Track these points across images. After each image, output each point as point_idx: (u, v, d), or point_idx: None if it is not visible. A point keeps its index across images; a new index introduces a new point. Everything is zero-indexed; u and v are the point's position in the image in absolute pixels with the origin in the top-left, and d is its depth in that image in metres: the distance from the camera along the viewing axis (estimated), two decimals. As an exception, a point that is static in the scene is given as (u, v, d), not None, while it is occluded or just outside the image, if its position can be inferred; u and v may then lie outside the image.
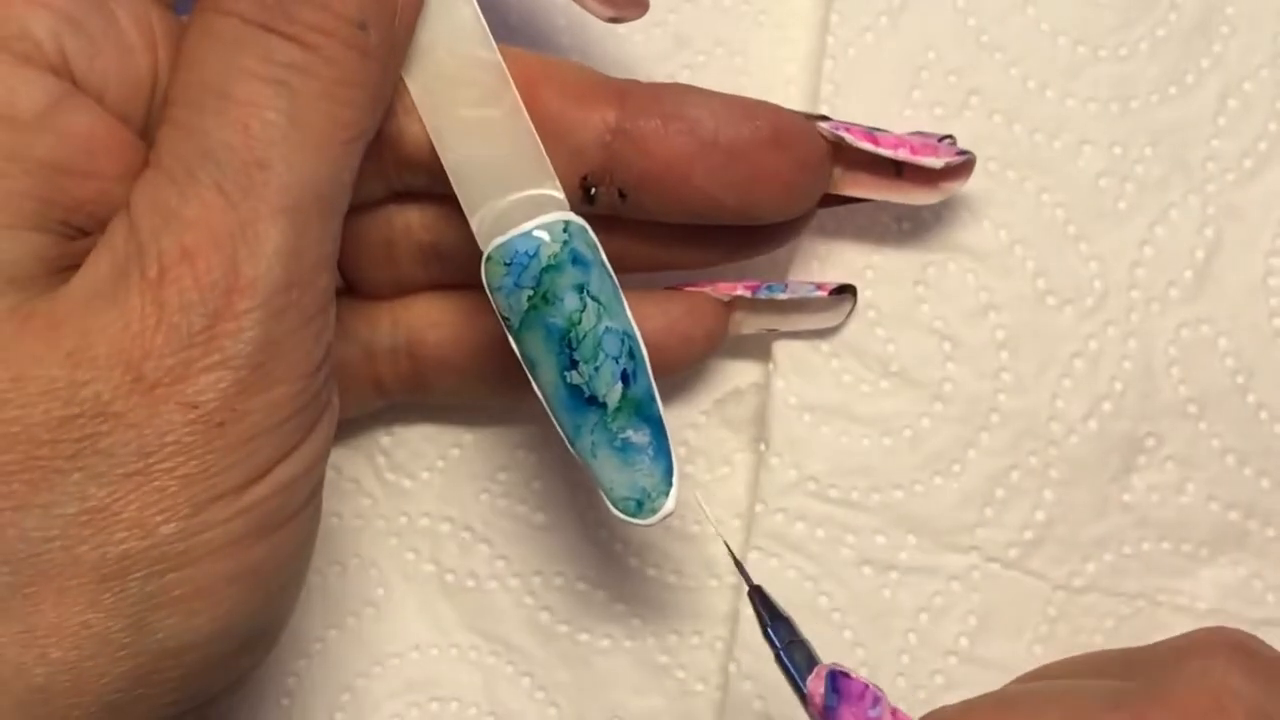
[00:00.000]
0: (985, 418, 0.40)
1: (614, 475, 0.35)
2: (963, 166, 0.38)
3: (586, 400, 0.34)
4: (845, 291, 0.40)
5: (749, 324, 0.40)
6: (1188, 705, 0.31)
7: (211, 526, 0.30)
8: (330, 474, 0.42)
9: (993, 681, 0.39)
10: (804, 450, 0.40)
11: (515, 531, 0.42)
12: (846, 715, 0.32)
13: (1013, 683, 0.38)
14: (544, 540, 0.42)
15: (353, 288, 0.39)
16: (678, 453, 0.41)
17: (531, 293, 0.34)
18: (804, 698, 0.33)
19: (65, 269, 0.30)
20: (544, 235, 0.34)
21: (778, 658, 0.34)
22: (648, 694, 0.41)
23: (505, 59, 0.34)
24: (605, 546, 0.42)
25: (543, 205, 0.34)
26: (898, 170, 0.38)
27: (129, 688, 0.30)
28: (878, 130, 0.38)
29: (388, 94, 0.33)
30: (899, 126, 0.40)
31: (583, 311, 0.34)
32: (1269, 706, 0.31)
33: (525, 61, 0.35)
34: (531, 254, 0.34)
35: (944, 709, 0.34)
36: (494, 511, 0.42)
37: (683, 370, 0.40)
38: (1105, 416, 0.40)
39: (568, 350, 0.34)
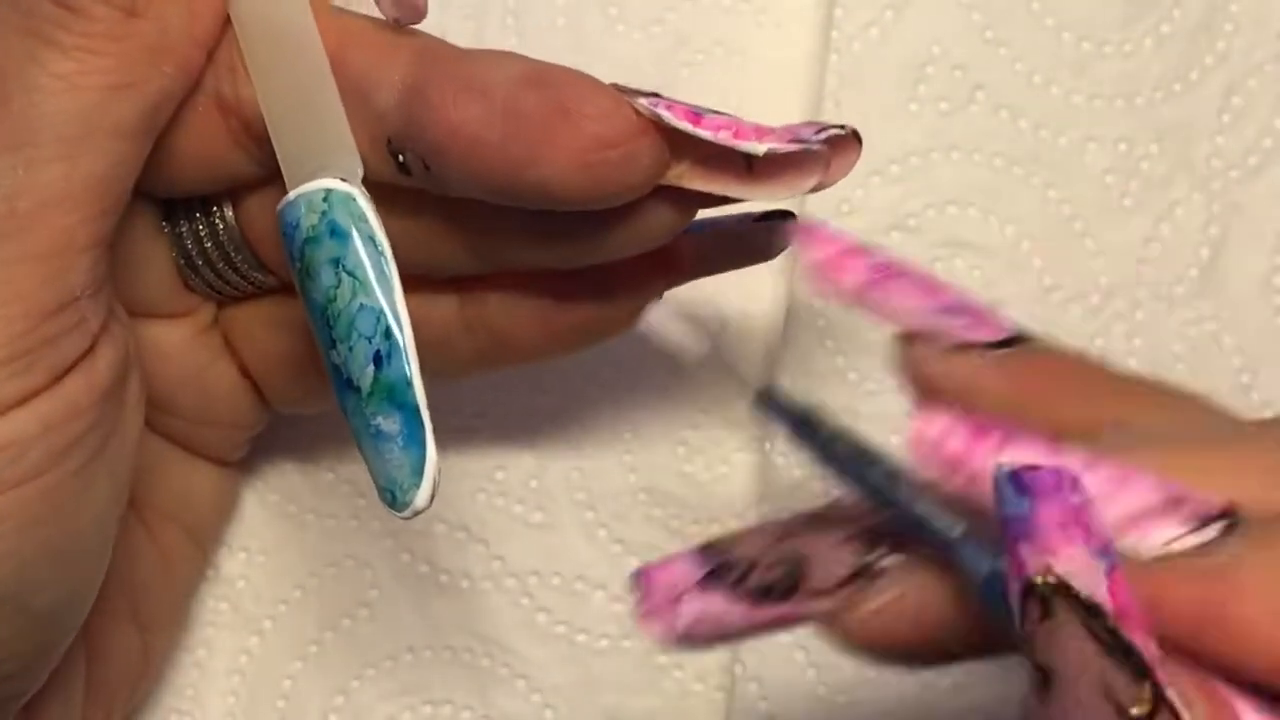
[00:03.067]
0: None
1: (372, 462, 0.32)
2: (802, 157, 0.32)
3: (345, 382, 0.32)
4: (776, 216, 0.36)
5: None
6: None
7: None
8: (326, 475, 0.42)
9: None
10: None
11: (512, 531, 0.42)
12: (1047, 516, 0.24)
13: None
14: (541, 540, 0.41)
15: (285, 283, 0.37)
16: (677, 452, 0.41)
17: (299, 266, 0.32)
18: (874, 489, 0.27)
19: None
20: (304, 205, 0.32)
21: (820, 458, 0.28)
22: (646, 695, 0.41)
23: (323, 21, 0.33)
24: (603, 546, 0.41)
25: (323, 171, 0.32)
26: (749, 164, 0.33)
27: None
28: (710, 111, 0.32)
29: (175, 47, 0.32)
30: (904, 122, 0.40)
31: (337, 288, 0.32)
32: None
33: (337, 20, 0.33)
34: (294, 225, 0.32)
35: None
36: (490, 511, 0.42)
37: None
38: (1110, 414, 0.40)
39: (328, 328, 0.32)
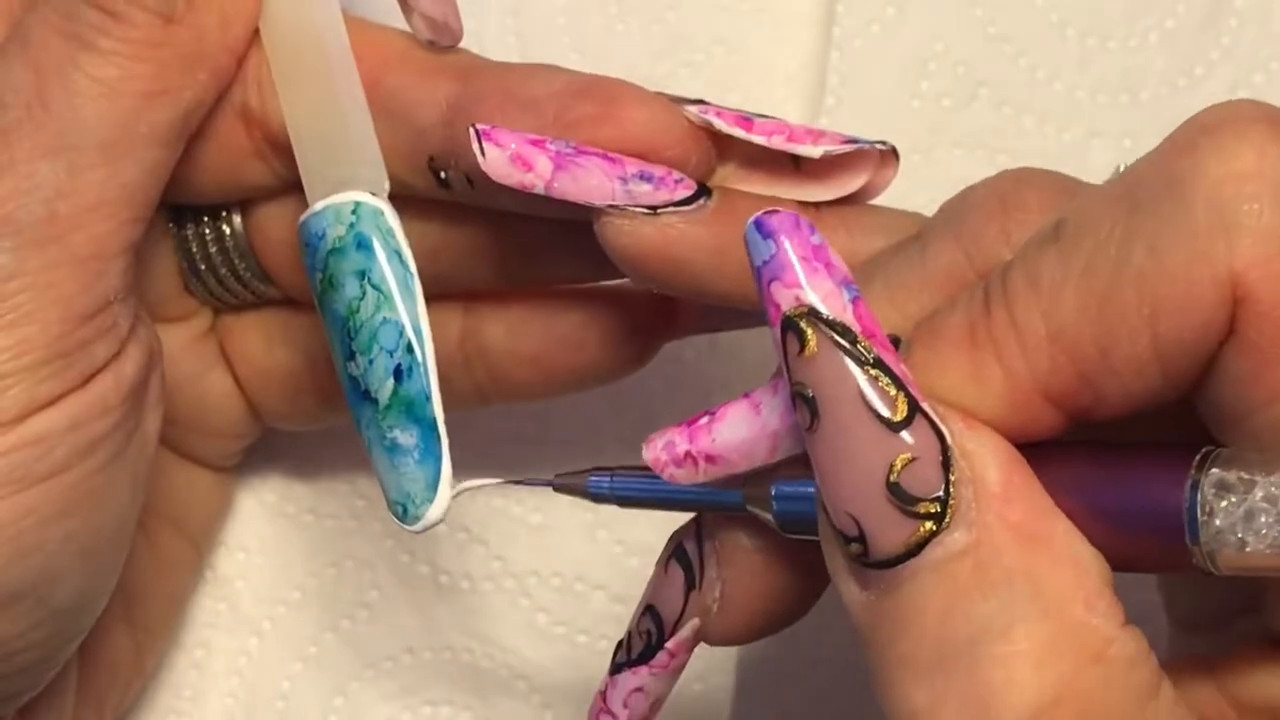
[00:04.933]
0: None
1: (385, 475, 0.32)
2: (858, 157, 0.34)
3: (362, 394, 0.32)
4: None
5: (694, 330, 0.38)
6: (989, 195, 0.29)
7: None
8: (325, 475, 0.42)
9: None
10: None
11: (512, 532, 0.41)
12: (792, 251, 0.26)
13: None
14: (541, 541, 0.41)
15: (288, 296, 0.38)
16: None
17: (321, 276, 0.32)
18: (664, 500, 0.31)
19: None
20: (331, 217, 0.32)
21: (617, 501, 0.32)
22: (646, 696, 0.41)
23: (359, 38, 0.33)
24: (603, 547, 0.41)
25: (350, 184, 0.33)
26: (796, 164, 0.34)
27: None
28: (759, 116, 0.34)
29: (210, 55, 0.33)
30: (907, 118, 0.40)
31: (361, 300, 0.32)
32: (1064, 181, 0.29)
33: (374, 38, 0.34)
34: (320, 235, 0.32)
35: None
36: (490, 512, 0.42)
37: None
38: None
39: (347, 339, 0.32)
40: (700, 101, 0.34)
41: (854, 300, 0.26)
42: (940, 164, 0.40)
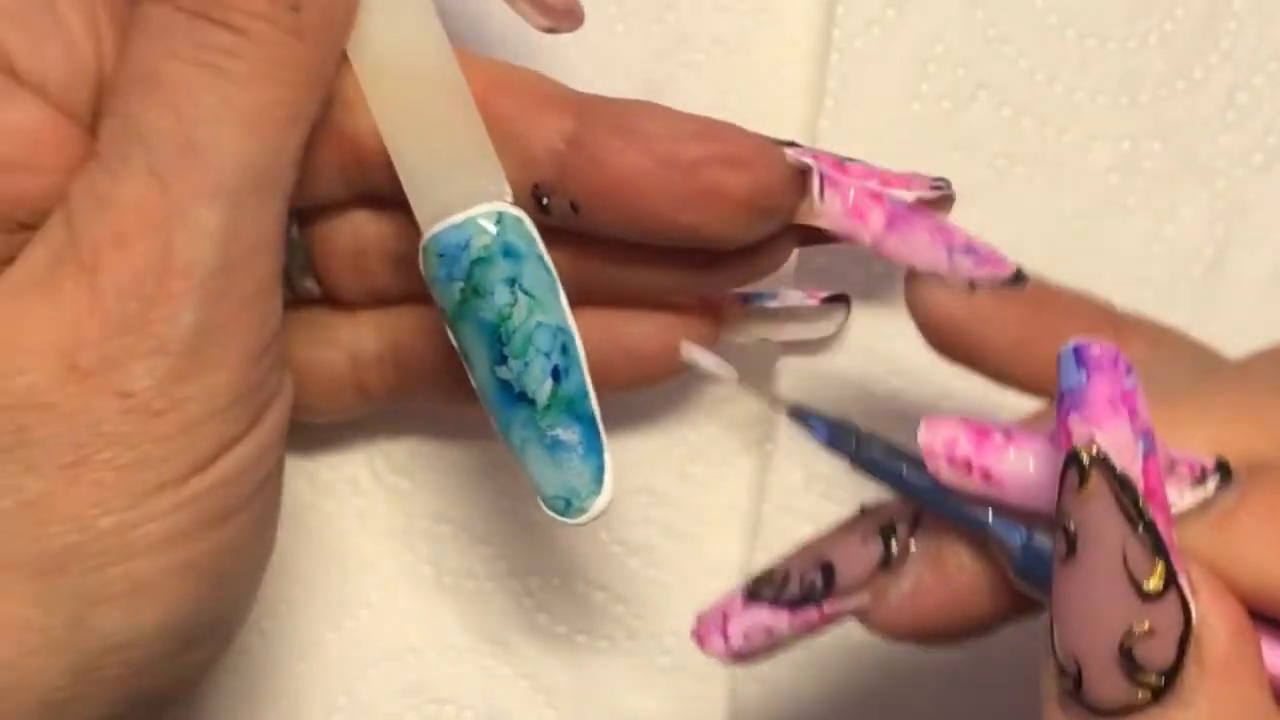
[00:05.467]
0: (994, 416, 0.40)
1: (544, 472, 0.34)
2: (939, 201, 0.38)
3: (516, 396, 0.34)
4: (837, 300, 0.39)
5: (741, 332, 0.40)
6: None
7: (151, 519, 0.30)
8: (328, 475, 0.42)
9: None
10: (811, 451, 0.40)
11: (514, 532, 0.42)
12: (1100, 389, 0.26)
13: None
14: (543, 541, 0.41)
15: (330, 296, 0.38)
16: (678, 452, 0.41)
17: (464, 285, 0.33)
18: (907, 486, 0.29)
19: (5, 262, 0.30)
20: (475, 227, 0.33)
21: (853, 462, 0.30)
22: (647, 695, 0.41)
23: (466, 63, 0.34)
24: (605, 547, 0.41)
25: (481, 196, 0.33)
26: None
27: (69, 685, 0.30)
28: (850, 160, 0.37)
29: (329, 72, 0.33)
30: (906, 120, 0.40)
31: (513, 306, 0.33)
32: None
33: (483, 65, 0.35)
34: (462, 246, 0.33)
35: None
36: (493, 512, 0.42)
37: (673, 378, 0.40)
38: (1114, 414, 0.40)
39: (499, 345, 0.33)
40: (793, 144, 0.36)
41: (1147, 455, 0.26)
42: (939, 166, 0.40)
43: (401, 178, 0.34)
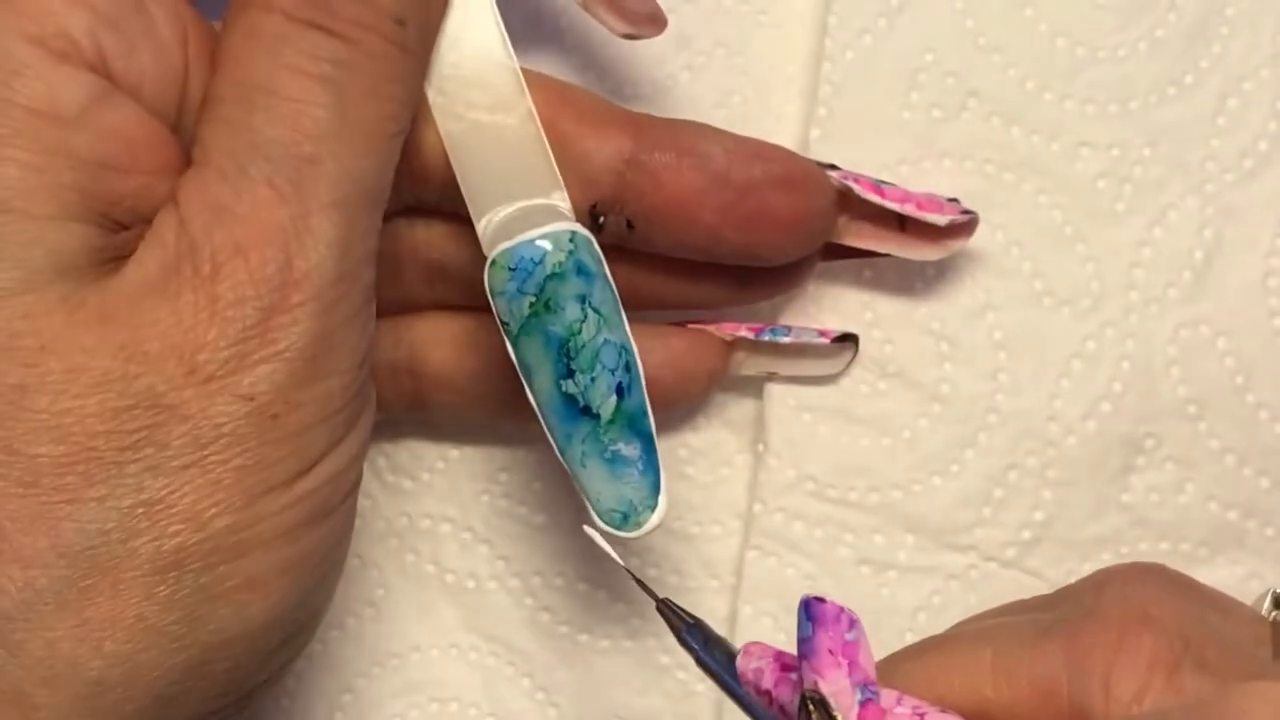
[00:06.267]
0: (983, 418, 0.40)
1: (602, 486, 0.35)
2: (966, 225, 0.39)
3: (580, 410, 0.34)
4: (847, 340, 0.40)
5: (750, 365, 0.40)
6: (1115, 619, 0.31)
7: (264, 518, 0.30)
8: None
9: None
10: (802, 450, 0.40)
11: (516, 532, 0.42)
12: (822, 641, 0.30)
13: (950, 629, 0.38)
14: (544, 541, 0.42)
15: None
16: (678, 454, 0.41)
17: (534, 299, 0.34)
18: (734, 693, 0.32)
19: (107, 261, 0.31)
20: (550, 244, 0.34)
21: (697, 660, 0.33)
22: (648, 694, 0.41)
23: (533, 82, 0.35)
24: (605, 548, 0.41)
25: (550, 215, 0.34)
26: (901, 223, 0.39)
27: (181, 679, 0.30)
28: (885, 184, 0.38)
29: (420, 90, 0.34)
30: (896, 128, 0.40)
31: (583, 322, 0.34)
32: (1191, 612, 0.31)
33: (544, 85, 0.36)
34: (537, 261, 0.34)
35: (897, 653, 0.34)
36: (495, 512, 0.42)
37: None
38: (1104, 417, 0.40)
39: (565, 359, 0.34)
40: (833, 167, 0.38)
41: (864, 703, 0.30)
42: (929, 174, 0.40)
43: (465, 192, 0.35)
